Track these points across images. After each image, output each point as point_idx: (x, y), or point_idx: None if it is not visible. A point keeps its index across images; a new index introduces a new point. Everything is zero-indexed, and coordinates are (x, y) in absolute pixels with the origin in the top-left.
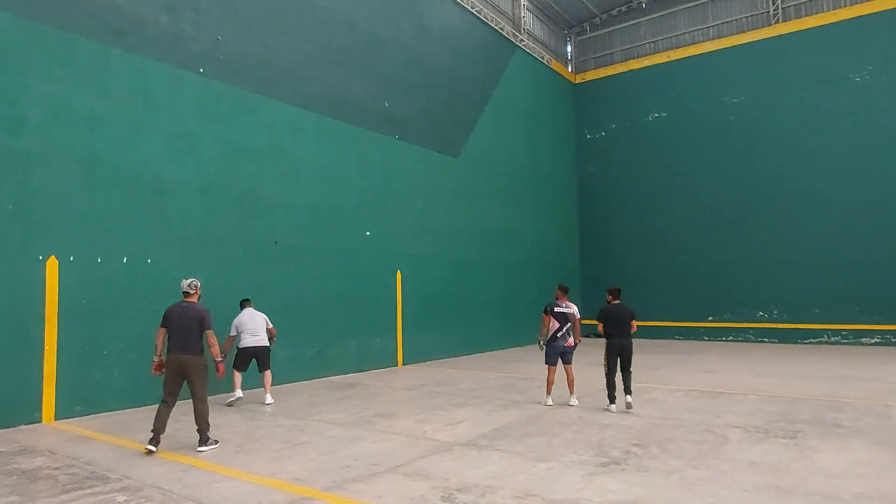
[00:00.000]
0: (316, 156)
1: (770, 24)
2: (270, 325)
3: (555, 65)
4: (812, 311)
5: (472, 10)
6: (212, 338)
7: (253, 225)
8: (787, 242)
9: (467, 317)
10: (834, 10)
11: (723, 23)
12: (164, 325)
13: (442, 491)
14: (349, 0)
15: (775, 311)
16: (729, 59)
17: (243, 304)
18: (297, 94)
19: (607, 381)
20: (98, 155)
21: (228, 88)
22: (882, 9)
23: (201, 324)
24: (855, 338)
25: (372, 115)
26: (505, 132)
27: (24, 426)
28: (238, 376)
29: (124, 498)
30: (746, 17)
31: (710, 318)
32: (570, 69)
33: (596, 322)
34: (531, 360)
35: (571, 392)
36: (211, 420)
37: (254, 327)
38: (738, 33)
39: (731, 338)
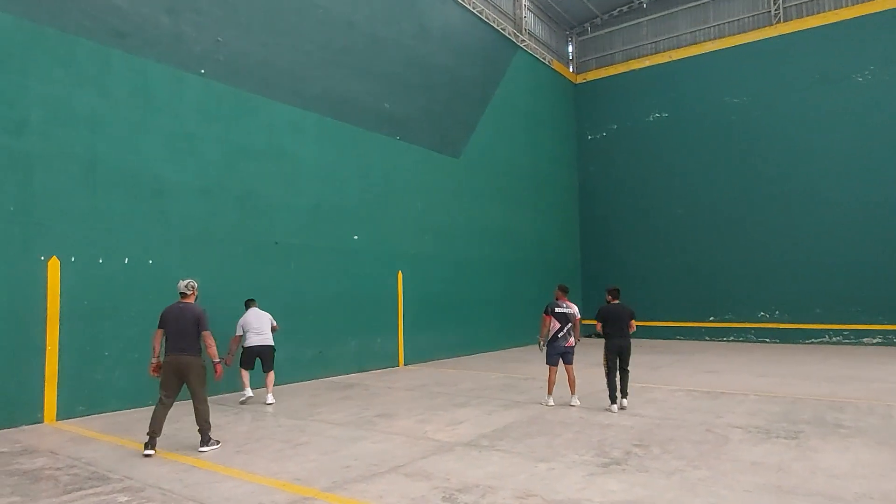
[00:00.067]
0: (316, 156)
1: (771, 24)
2: (275, 324)
3: (556, 65)
4: (813, 311)
5: (473, 10)
6: (209, 339)
7: (253, 225)
8: (789, 242)
9: (468, 317)
10: (835, 9)
11: (724, 23)
12: (161, 326)
13: (443, 491)
14: (349, 0)
15: (776, 311)
16: (730, 59)
17: (248, 303)
18: (298, 95)
19: (608, 381)
20: (99, 155)
21: (229, 89)
22: (883, 9)
23: (198, 325)
24: (856, 338)
25: (372, 115)
26: (505, 132)
27: (26, 426)
28: (246, 375)
29: (126, 498)
30: (748, 16)
31: (712, 318)
32: (571, 69)
33: (596, 322)
34: (532, 361)
35: (573, 392)
36: (213, 420)
37: (258, 326)
38: (739, 33)
39: (732, 338)
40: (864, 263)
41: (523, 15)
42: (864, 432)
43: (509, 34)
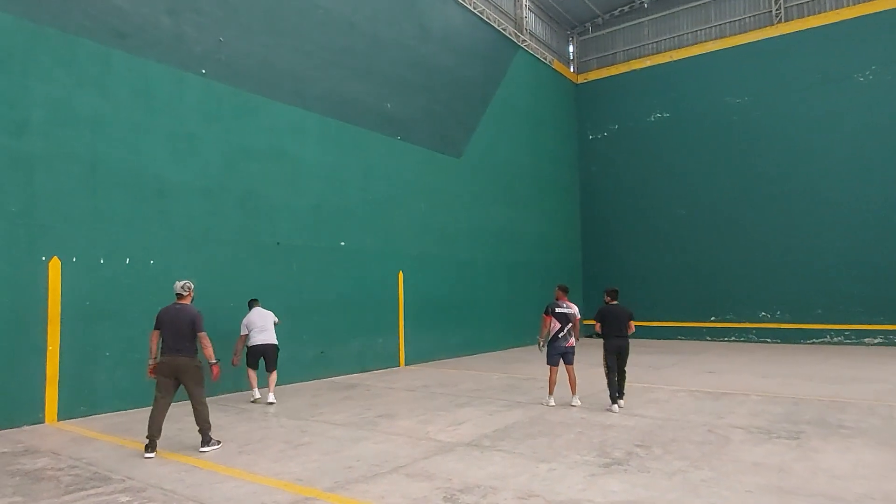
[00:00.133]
0: (318, 157)
1: (772, 24)
2: (276, 319)
3: (557, 65)
4: (815, 311)
5: (474, 11)
6: (205, 340)
7: (255, 226)
8: (790, 242)
9: (469, 317)
10: (836, 9)
11: (725, 23)
12: (157, 327)
13: (444, 492)
14: (350, 1)
15: (778, 312)
16: (731, 59)
17: (251, 303)
18: (299, 95)
19: (608, 381)
20: (100, 156)
21: (230, 90)
22: (885, 8)
23: (194, 326)
24: (858, 338)
25: (374, 115)
26: (507, 133)
27: (27, 427)
28: (253, 376)
29: (127, 498)
30: (749, 16)
31: (713, 319)
32: (572, 69)
33: (595, 322)
34: (533, 361)
35: (574, 392)
36: (215, 421)
37: (262, 324)
38: (740, 33)
39: (733, 338)
40: (866, 263)
41: (524, 15)
42: (866, 433)
43: (510, 34)
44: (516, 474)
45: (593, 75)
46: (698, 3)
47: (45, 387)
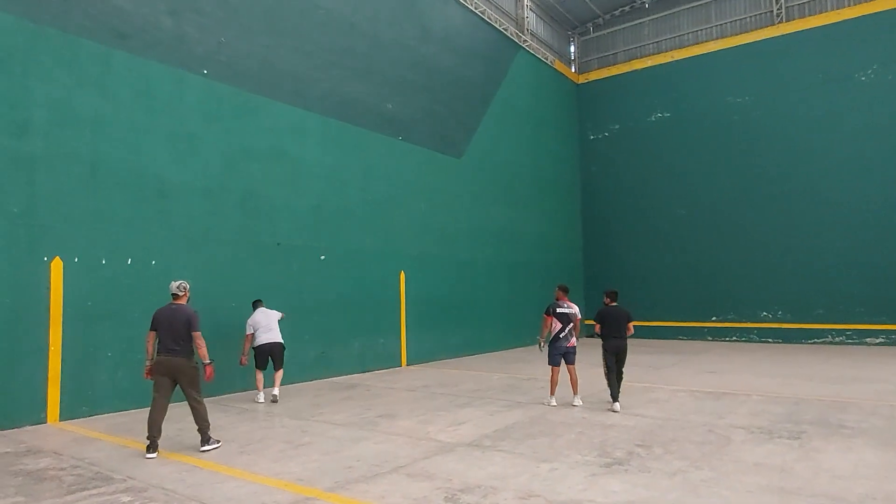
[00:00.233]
0: (318, 157)
1: (773, 24)
2: (281, 314)
3: (558, 65)
4: (816, 311)
5: (475, 11)
6: (199, 339)
7: (256, 226)
8: (791, 242)
9: (470, 317)
10: (837, 9)
11: (726, 22)
12: (153, 327)
13: (445, 492)
14: (351, 2)
15: (779, 312)
16: (732, 59)
17: (255, 304)
18: (300, 96)
19: (608, 380)
20: (101, 157)
21: (231, 90)
22: (886, 8)
23: (189, 326)
24: (859, 338)
25: (374, 116)
26: (508, 133)
27: (30, 427)
28: (261, 377)
29: (128, 498)
30: (750, 16)
31: (714, 319)
32: (573, 69)
33: (595, 323)
34: (534, 361)
35: (575, 392)
36: (216, 421)
37: (267, 324)
38: (741, 33)
39: (734, 338)
40: (867, 263)
41: (525, 15)
42: (868, 433)
43: (511, 34)
44: (517, 474)
45: (594, 75)
46: (699, 2)
47: (46, 387)
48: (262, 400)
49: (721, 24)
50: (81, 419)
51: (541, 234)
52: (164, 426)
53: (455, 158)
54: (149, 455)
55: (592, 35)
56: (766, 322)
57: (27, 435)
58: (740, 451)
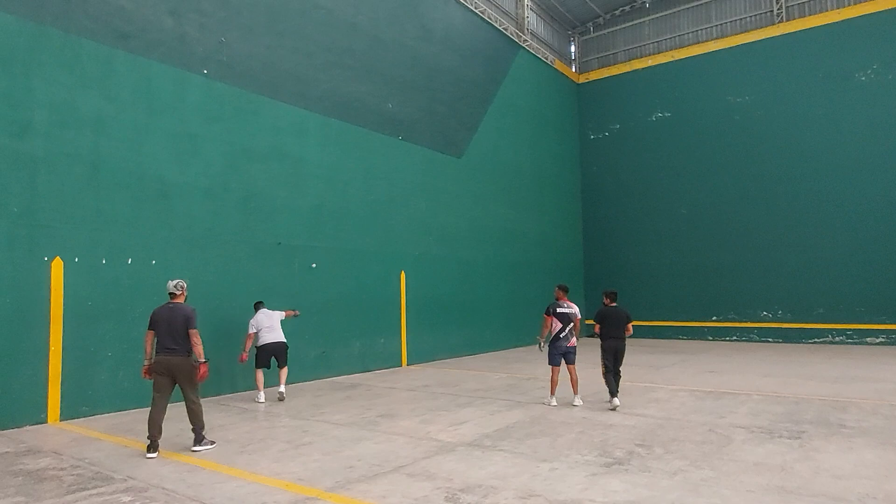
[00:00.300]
0: (319, 157)
1: (774, 24)
2: (288, 311)
3: (558, 65)
4: (816, 310)
5: (475, 11)
6: (195, 337)
7: (257, 226)
8: (791, 242)
9: (471, 317)
10: (838, 8)
11: (726, 22)
12: (151, 327)
13: (445, 491)
14: (352, 2)
15: (779, 311)
16: (733, 59)
17: (257, 305)
18: (301, 96)
19: (605, 379)
20: (103, 157)
21: (232, 90)
22: (886, 7)
23: (188, 324)
24: (860, 337)
25: (375, 116)
26: (508, 133)
27: (30, 427)
28: (261, 377)
29: (129, 498)
30: (750, 16)
31: (714, 318)
32: (573, 69)
33: (594, 323)
34: (534, 361)
35: (575, 392)
36: (216, 421)
37: (270, 324)
38: (741, 32)
39: (735, 338)
40: (868, 263)
41: (525, 15)
42: (868, 433)
43: (511, 34)
44: (517, 474)
45: (595, 75)
46: (699, 2)
47: (47, 387)
48: (262, 400)
49: (721, 24)
50: (82, 419)
51: (541, 234)
52: (165, 426)
53: (455, 158)
54: (149, 455)
55: (593, 35)
56: (766, 322)
57: (27, 435)
58: (741, 451)
